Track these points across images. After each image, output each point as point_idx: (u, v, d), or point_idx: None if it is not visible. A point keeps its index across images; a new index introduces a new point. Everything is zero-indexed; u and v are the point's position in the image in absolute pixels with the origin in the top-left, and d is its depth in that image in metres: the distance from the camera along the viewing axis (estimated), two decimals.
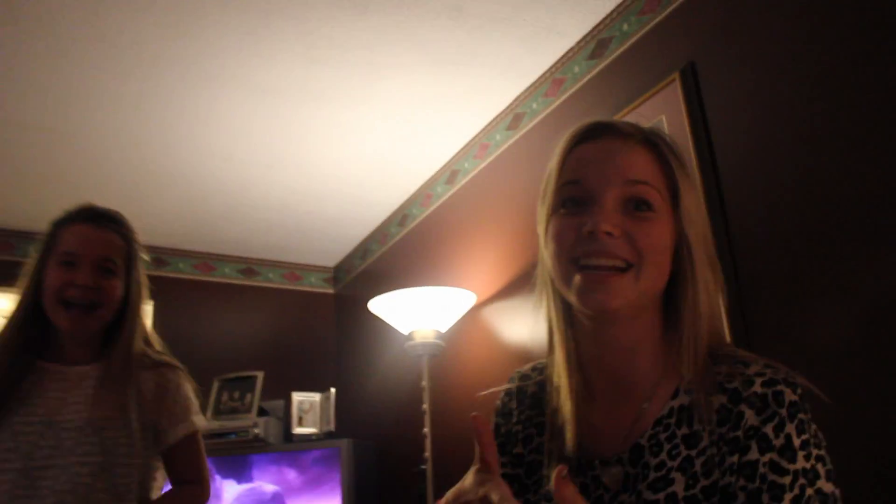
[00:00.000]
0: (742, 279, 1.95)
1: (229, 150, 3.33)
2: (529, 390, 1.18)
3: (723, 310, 1.88)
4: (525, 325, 2.85)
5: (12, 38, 2.55)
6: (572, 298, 0.99)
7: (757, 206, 1.96)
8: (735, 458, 0.90)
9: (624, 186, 0.97)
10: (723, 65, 2.14)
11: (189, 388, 1.91)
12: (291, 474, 3.56)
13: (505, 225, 3.06)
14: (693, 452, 0.94)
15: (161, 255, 4.28)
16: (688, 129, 2.19)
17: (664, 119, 2.29)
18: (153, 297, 4.15)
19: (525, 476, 1.10)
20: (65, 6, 2.42)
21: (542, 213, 1.06)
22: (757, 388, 0.92)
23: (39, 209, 3.79)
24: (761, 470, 0.88)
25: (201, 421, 1.90)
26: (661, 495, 0.92)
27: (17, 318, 1.79)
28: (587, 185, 0.99)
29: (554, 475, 0.82)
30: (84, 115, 3.01)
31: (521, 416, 1.15)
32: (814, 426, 0.92)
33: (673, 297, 1.01)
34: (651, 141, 1.02)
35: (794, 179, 1.87)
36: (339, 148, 3.36)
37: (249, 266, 4.59)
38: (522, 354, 2.84)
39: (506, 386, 1.22)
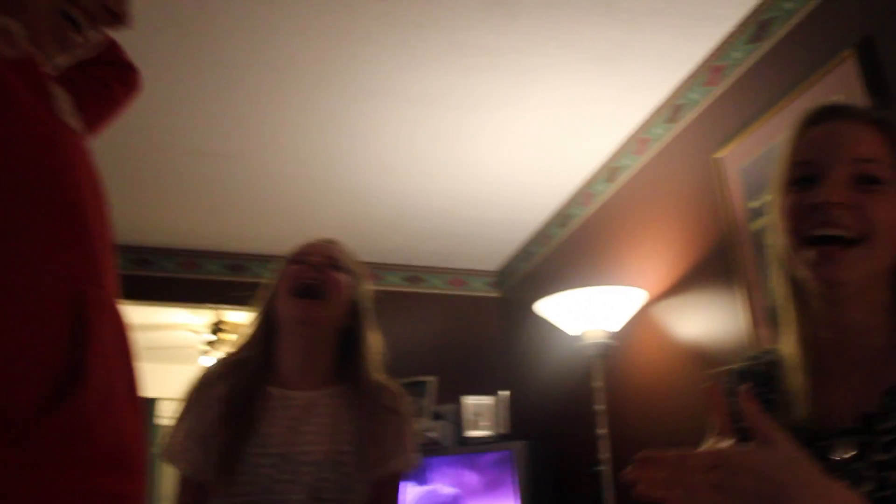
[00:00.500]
0: None
1: (390, 161, 3.43)
2: (758, 370, 1.19)
3: None
4: (699, 322, 2.77)
5: (191, 73, 2.75)
6: (805, 272, 1.02)
7: None
8: None
9: (852, 164, 1.00)
10: None
11: (414, 421, 1.84)
12: (468, 476, 3.62)
13: (671, 220, 2.99)
14: None
15: None
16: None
17: (839, 100, 2.17)
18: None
19: None
20: (234, 39, 2.58)
21: (773, 192, 1.09)
22: None
23: (222, 229, 4.05)
24: None
25: (416, 459, 1.81)
26: (891, 455, 0.92)
27: (249, 345, 1.78)
28: (817, 164, 1.03)
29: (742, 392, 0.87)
30: (255, 138, 3.20)
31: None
32: None
33: None
34: (881, 121, 1.04)
35: None
36: (496, 152, 3.38)
37: (415, 273, 4.70)
38: (697, 352, 2.76)
39: (733, 366, 1.24)
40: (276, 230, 4.06)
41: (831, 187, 0.99)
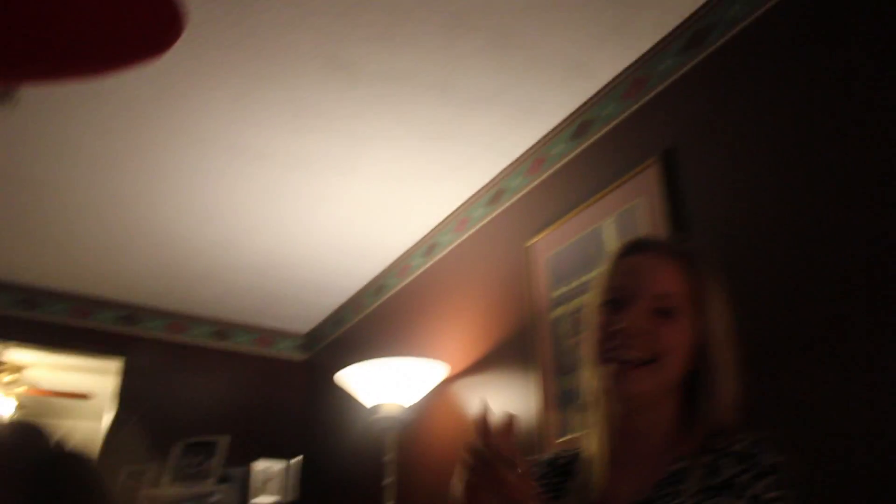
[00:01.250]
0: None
1: (210, 211, 3.34)
2: (561, 461, 1.34)
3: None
4: (495, 402, 2.83)
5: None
6: (604, 383, 1.19)
7: (732, 294, 1.98)
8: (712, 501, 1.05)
9: (651, 299, 1.18)
10: (702, 152, 2.19)
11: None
12: None
13: (480, 299, 3.07)
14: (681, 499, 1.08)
15: (133, 313, 4.24)
16: (663, 213, 2.22)
17: (641, 203, 2.33)
18: (122, 353, 4.10)
19: None
20: None
21: (590, 304, 1.27)
22: (742, 446, 1.08)
23: (18, 259, 3.77)
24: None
25: None
26: None
27: None
28: (624, 293, 1.21)
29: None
30: (69, 169, 3.03)
31: (549, 480, 1.31)
32: (791, 494, 1.04)
33: (694, 387, 1.19)
34: (682, 255, 1.24)
35: (771, 269, 1.90)
36: (320, 215, 3.38)
37: (221, 329, 4.55)
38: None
39: (545, 456, 1.39)
40: (77, 267, 3.84)
41: (631, 317, 1.17)
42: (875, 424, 1.59)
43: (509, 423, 1.06)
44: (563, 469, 1.31)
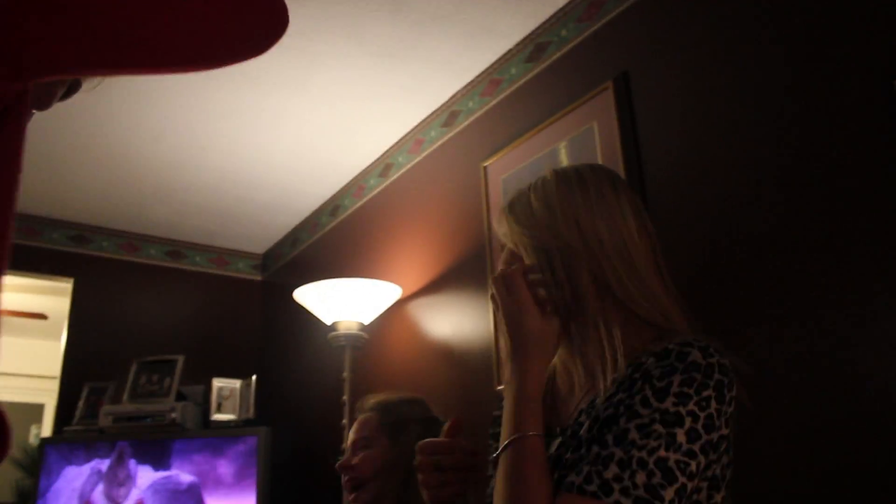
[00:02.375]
0: None
1: (161, 129, 3.28)
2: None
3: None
4: (450, 322, 2.87)
5: None
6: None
7: (680, 217, 2.02)
8: (623, 395, 1.02)
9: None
10: (655, 75, 2.19)
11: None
12: (211, 463, 3.52)
13: (436, 220, 3.08)
14: (598, 402, 1.08)
15: (84, 233, 4.19)
16: (618, 137, 2.23)
17: (595, 126, 2.33)
18: (74, 274, 4.05)
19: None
20: None
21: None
22: (670, 345, 1.03)
23: None
24: (632, 400, 1.00)
25: None
26: (578, 454, 1.04)
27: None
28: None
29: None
30: None
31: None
32: (712, 393, 0.99)
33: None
34: (508, 210, 1.26)
35: (720, 192, 1.93)
36: (274, 135, 3.33)
37: (177, 249, 4.51)
38: (444, 350, 2.86)
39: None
40: (25, 186, 3.74)
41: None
42: (822, 358, 1.65)
43: (456, 425, 1.23)
44: None
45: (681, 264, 1.98)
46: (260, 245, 4.63)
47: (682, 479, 0.94)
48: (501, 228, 1.26)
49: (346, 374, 3.01)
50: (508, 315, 1.13)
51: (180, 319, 4.39)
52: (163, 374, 3.75)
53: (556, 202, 1.18)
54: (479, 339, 2.68)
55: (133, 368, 3.77)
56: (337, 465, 1.90)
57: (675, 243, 2.01)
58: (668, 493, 0.93)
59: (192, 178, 3.73)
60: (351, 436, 1.98)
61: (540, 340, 1.11)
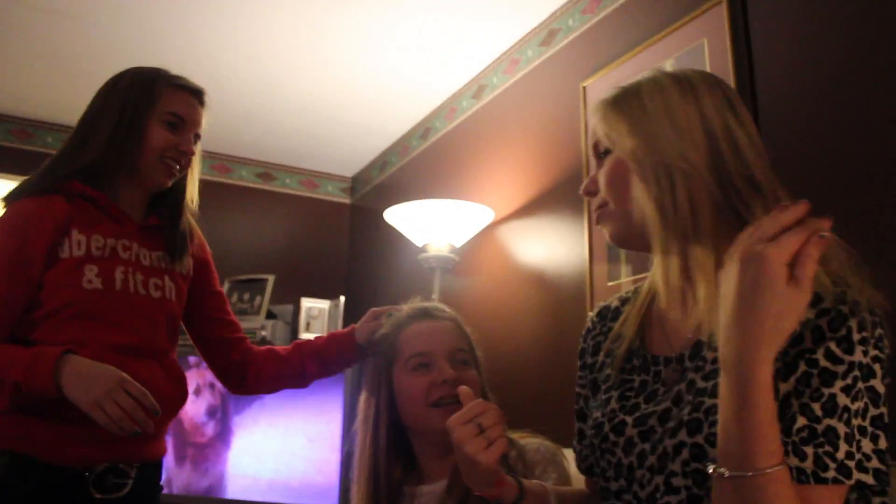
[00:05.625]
0: None
1: (252, 49, 3.25)
2: (613, 305, 1.30)
3: None
4: (543, 248, 2.81)
5: None
6: None
7: (793, 144, 1.90)
8: (790, 348, 0.91)
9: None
10: None
11: None
12: None
13: (529, 144, 3.00)
14: None
15: None
16: (730, 56, 2.11)
17: (706, 44, 2.20)
18: None
19: (589, 385, 1.25)
20: None
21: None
22: (821, 287, 0.92)
23: (47, 95, 3.74)
24: (814, 356, 0.89)
25: None
26: (710, 383, 0.95)
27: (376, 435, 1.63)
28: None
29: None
30: (105, 3, 2.92)
31: (602, 328, 1.28)
32: (879, 330, 0.92)
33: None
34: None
35: (835, 115, 1.80)
36: (365, 55, 3.27)
37: (267, 171, 4.55)
38: (536, 275, 2.81)
39: (598, 306, 1.34)
40: None
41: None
42: None
43: (471, 392, 1.15)
44: (616, 314, 1.27)
45: (793, 192, 1.88)
46: (349, 168, 4.62)
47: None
48: (601, 127, 1.14)
49: (435, 296, 2.99)
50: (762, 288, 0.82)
51: (271, 240, 4.44)
52: (254, 292, 3.81)
53: (680, 114, 1.08)
54: (573, 265, 2.61)
55: (225, 287, 3.84)
56: (446, 377, 1.55)
57: (787, 172, 1.90)
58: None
59: (281, 100, 3.72)
60: (439, 341, 1.62)
61: (780, 318, 0.83)
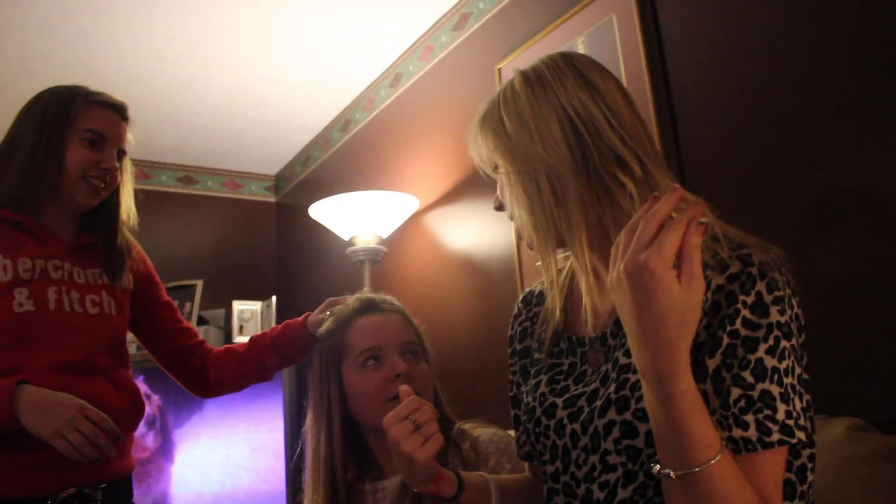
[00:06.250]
0: (688, 181, 1.93)
1: (164, 49, 3.17)
2: (538, 289, 1.31)
3: None
4: (468, 231, 2.81)
5: None
6: None
7: (705, 110, 1.93)
8: (711, 319, 0.93)
9: None
10: None
11: None
12: None
13: (450, 129, 2.99)
14: None
15: None
16: (638, 28, 2.12)
17: (614, 18, 2.22)
18: None
19: (520, 371, 1.26)
20: None
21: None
22: (723, 253, 0.95)
23: None
24: (734, 326, 0.91)
25: None
26: (632, 359, 0.95)
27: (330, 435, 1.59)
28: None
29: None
30: (11, 8, 2.81)
31: (528, 313, 1.30)
32: (788, 289, 0.94)
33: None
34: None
35: (744, 85, 1.83)
36: (279, 50, 3.22)
37: (188, 174, 4.45)
38: (465, 260, 2.81)
39: (524, 291, 1.37)
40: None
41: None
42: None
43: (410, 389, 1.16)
44: (540, 299, 1.29)
45: (702, 166, 1.91)
46: (272, 166, 4.55)
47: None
48: (474, 153, 1.18)
49: (365, 289, 2.96)
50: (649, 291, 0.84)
51: (196, 244, 4.36)
52: (183, 299, 3.73)
53: (530, 116, 1.09)
54: (501, 248, 2.62)
55: None
56: (400, 371, 1.51)
57: (697, 146, 1.93)
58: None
59: (197, 100, 3.64)
60: (388, 334, 1.59)
61: (683, 320, 0.84)
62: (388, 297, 1.72)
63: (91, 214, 1.80)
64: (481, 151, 1.16)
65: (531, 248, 1.13)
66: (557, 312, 1.18)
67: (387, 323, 1.62)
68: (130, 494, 1.76)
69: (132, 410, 1.75)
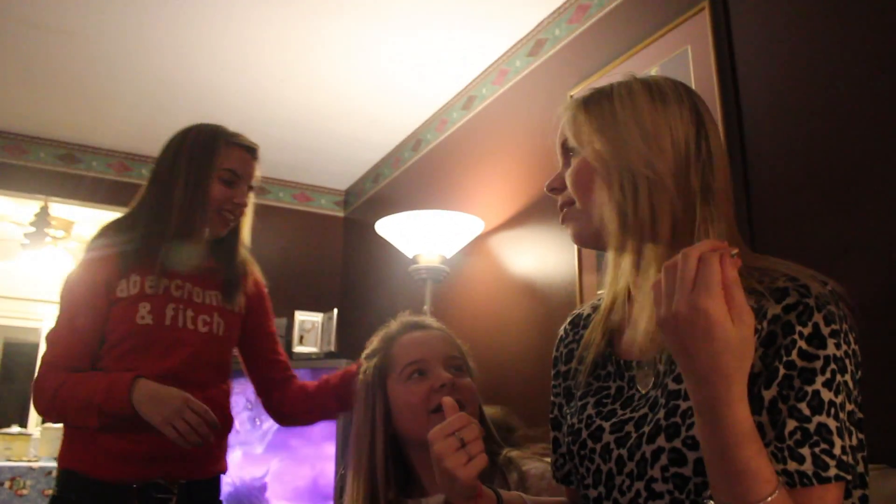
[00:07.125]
0: (755, 215, 1.90)
1: (243, 61, 3.26)
2: (585, 312, 1.31)
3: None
4: (533, 258, 2.81)
5: None
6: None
7: (777, 145, 1.90)
8: (767, 349, 0.92)
9: None
10: None
11: None
12: None
13: (519, 154, 3.00)
14: None
15: None
16: (713, 59, 2.11)
17: (689, 50, 2.21)
18: None
19: (563, 393, 1.27)
20: None
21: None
22: (780, 283, 0.94)
23: (47, 113, 3.75)
24: (790, 357, 0.90)
25: None
26: (683, 386, 0.95)
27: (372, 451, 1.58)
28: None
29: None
30: (100, 18, 2.94)
31: (575, 335, 1.29)
32: (845, 324, 0.92)
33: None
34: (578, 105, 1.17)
35: (818, 122, 1.80)
36: (355, 66, 3.28)
37: (260, 184, 4.53)
38: (527, 284, 2.81)
39: (572, 313, 1.36)
40: (116, 122, 3.82)
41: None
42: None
43: (456, 404, 1.17)
44: (587, 321, 1.28)
45: (771, 195, 1.88)
46: (343, 181, 4.63)
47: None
48: (570, 126, 1.13)
49: (426, 308, 2.99)
50: (691, 322, 0.83)
51: (264, 253, 4.38)
52: None
53: (648, 121, 1.07)
54: (563, 275, 2.61)
55: None
56: (444, 381, 1.51)
57: (766, 173, 1.90)
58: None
59: (274, 112, 3.72)
60: (433, 348, 1.60)
61: (740, 355, 0.83)
62: (431, 319, 1.75)
63: (216, 241, 2.04)
64: (580, 128, 1.11)
65: (586, 246, 1.16)
66: (600, 333, 1.18)
67: (431, 338, 1.64)
68: (218, 493, 1.99)
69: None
